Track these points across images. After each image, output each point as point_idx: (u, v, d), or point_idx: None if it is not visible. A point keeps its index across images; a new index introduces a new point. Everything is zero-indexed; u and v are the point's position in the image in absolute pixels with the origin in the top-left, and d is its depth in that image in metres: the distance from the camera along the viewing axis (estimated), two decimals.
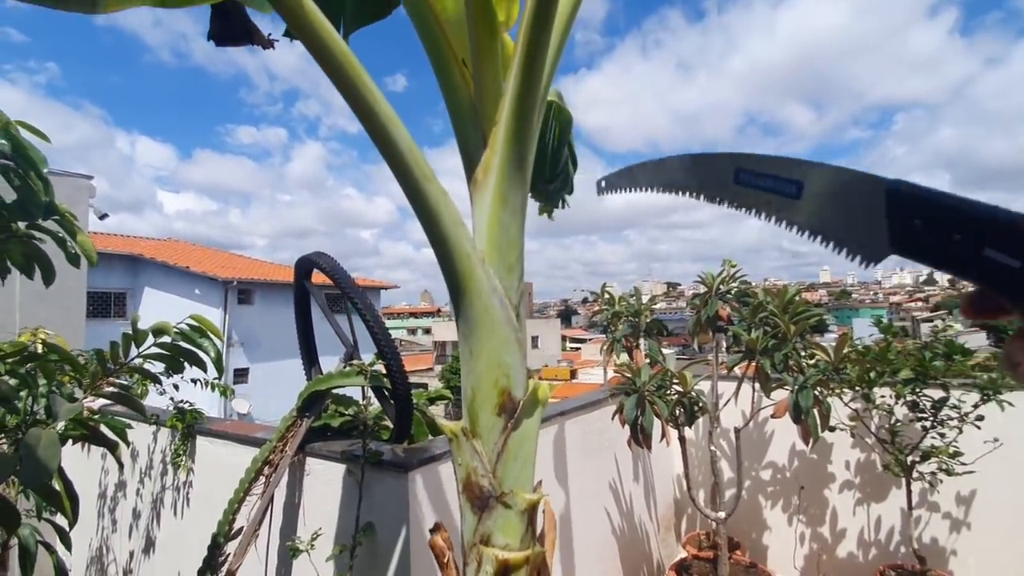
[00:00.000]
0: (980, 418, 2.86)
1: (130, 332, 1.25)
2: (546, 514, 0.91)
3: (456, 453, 0.81)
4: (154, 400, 2.89)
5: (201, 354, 1.30)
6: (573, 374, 36.04)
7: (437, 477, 1.80)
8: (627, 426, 2.72)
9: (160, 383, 1.41)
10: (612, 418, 2.82)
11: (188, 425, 2.59)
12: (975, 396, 2.86)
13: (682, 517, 4.12)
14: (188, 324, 1.27)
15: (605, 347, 3.46)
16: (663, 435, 2.76)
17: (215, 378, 2.86)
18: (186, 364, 2.63)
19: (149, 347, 1.26)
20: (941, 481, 3.02)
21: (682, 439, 3.04)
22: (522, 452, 0.78)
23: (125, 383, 1.41)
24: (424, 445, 1.96)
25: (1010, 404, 2.77)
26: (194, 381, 2.79)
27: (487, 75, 0.80)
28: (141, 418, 2.83)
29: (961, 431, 2.91)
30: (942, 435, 2.96)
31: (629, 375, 2.81)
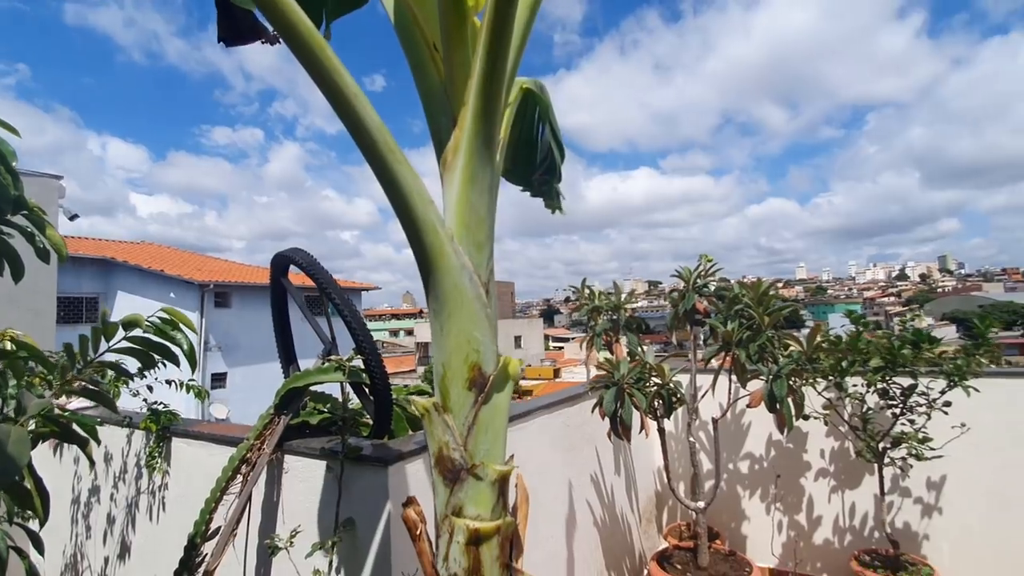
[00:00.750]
0: (947, 404, 2.95)
1: (100, 327, 1.22)
2: (519, 488, 0.93)
3: (428, 428, 0.82)
4: (128, 404, 2.83)
5: (173, 348, 1.28)
6: (556, 373, 36.19)
7: (418, 470, 1.80)
8: (607, 419, 2.75)
9: (131, 378, 1.38)
10: (592, 411, 2.84)
11: (163, 427, 2.54)
12: (942, 383, 2.95)
13: (663, 509, 4.17)
14: (159, 317, 1.25)
15: (585, 342, 3.48)
16: (642, 427, 2.79)
17: (190, 379, 2.82)
18: (161, 363, 2.59)
19: (120, 341, 1.24)
20: (911, 466, 3.11)
21: (661, 431, 3.08)
22: (493, 425, 0.80)
23: (97, 380, 1.38)
24: (404, 439, 1.95)
25: (975, 390, 2.86)
26: (169, 383, 2.74)
27: (457, 59, 0.80)
28: (114, 419, 2.78)
29: (930, 417, 3.00)
30: (912, 421, 3.05)
31: (609, 369, 2.84)
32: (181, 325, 1.27)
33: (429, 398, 0.82)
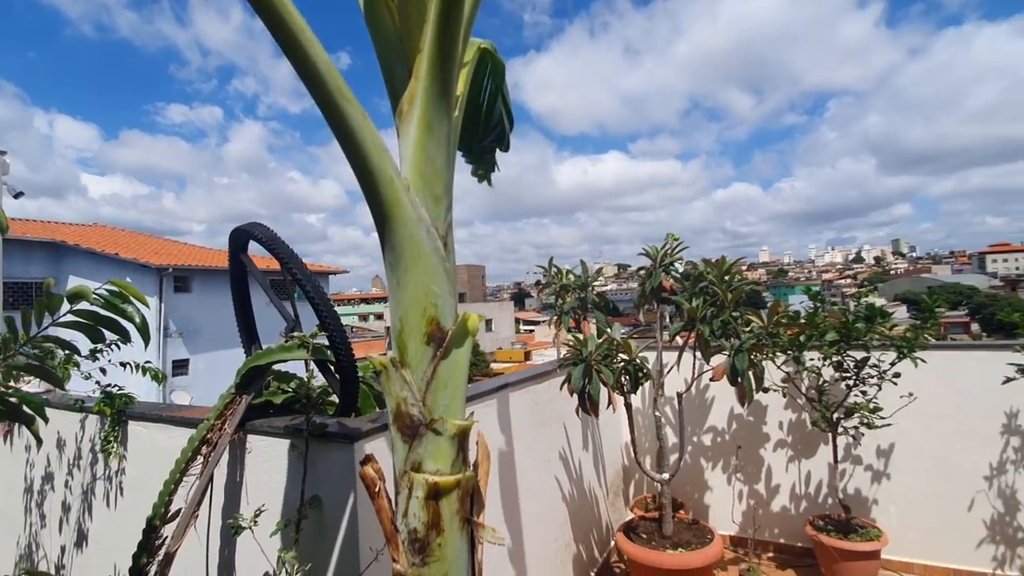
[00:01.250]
0: (897, 375, 3.10)
1: (44, 299, 1.16)
2: (480, 445, 0.93)
3: (385, 385, 0.80)
4: (81, 387, 2.71)
5: (124, 322, 1.23)
6: (527, 356, 36.49)
7: (383, 448, 1.79)
8: (576, 395, 2.78)
9: (78, 354, 1.32)
10: (561, 388, 2.87)
11: (118, 410, 2.45)
12: (893, 355, 3.10)
13: (630, 482, 4.28)
14: (108, 290, 1.19)
15: (553, 320, 3.51)
16: (610, 402, 2.83)
17: (147, 362, 2.72)
18: (116, 345, 2.48)
19: (65, 315, 1.17)
20: (863, 435, 3.27)
21: (628, 406, 3.14)
22: (452, 380, 0.79)
23: (41, 356, 1.32)
24: (371, 416, 1.93)
25: (923, 360, 3.01)
26: (123, 365, 2.64)
27: (411, 7, 0.77)
28: (65, 403, 2.67)
29: (880, 388, 3.16)
30: (864, 392, 3.20)
31: (577, 346, 2.86)
32: (132, 298, 1.22)
33: (386, 356, 0.80)
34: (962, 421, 3.33)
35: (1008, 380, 2.48)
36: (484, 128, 1.25)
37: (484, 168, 1.44)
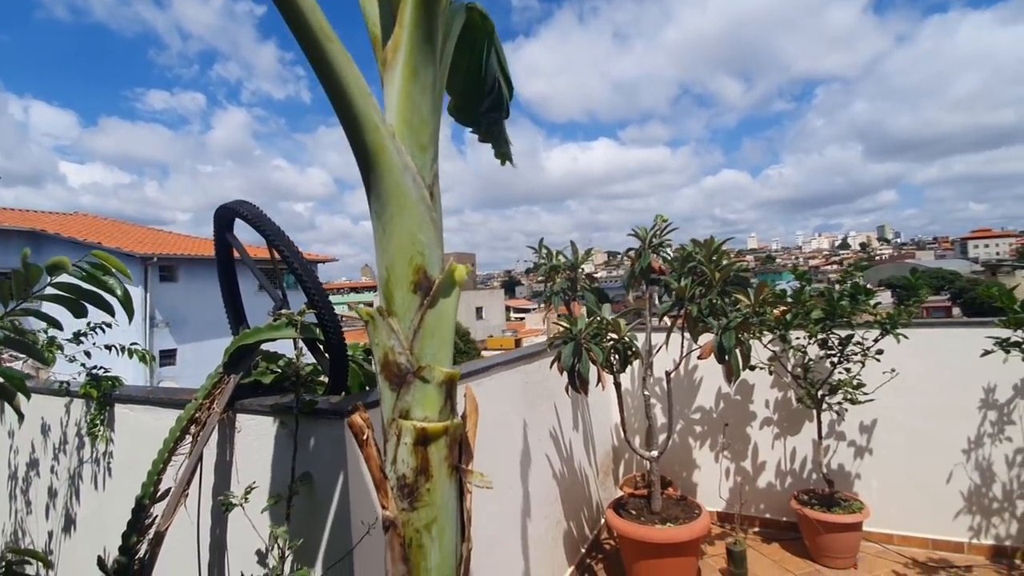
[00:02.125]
0: (880, 352, 3.16)
1: (21, 271, 1.14)
2: (467, 397, 0.94)
3: (372, 335, 0.81)
4: (66, 370, 2.68)
5: (106, 296, 1.21)
6: (518, 343, 36.64)
7: (375, 423, 1.79)
8: (565, 374, 2.80)
9: (60, 328, 1.30)
10: (551, 367, 2.89)
11: (104, 393, 2.42)
12: (876, 333, 3.15)
13: (620, 461, 4.33)
14: (89, 262, 1.17)
15: (543, 302, 3.51)
16: (599, 380, 2.86)
17: (133, 343, 2.69)
18: (100, 329, 2.44)
19: (44, 287, 1.15)
20: (846, 411, 3.33)
21: (617, 385, 3.17)
22: (439, 329, 0.79)
23: (21, 330, 1.29)
24: (361, 394, 1.93)
25: (905, 337, 3.07)
26: (108, 348, 2.61)
27: None
28: (50, 388, 2.63)
29: (864, 365, 3.21)
30: (848, 370, 3.26)
31: (567, 325, 2.88)
32: (114, 270, 1.20)
33: (373, 307, 0.80)
34: (942, 396, 3.41)
35: (986, 353, 2.53)
36: (480, 91, 1.24)
37: (501, 147, 1.43)
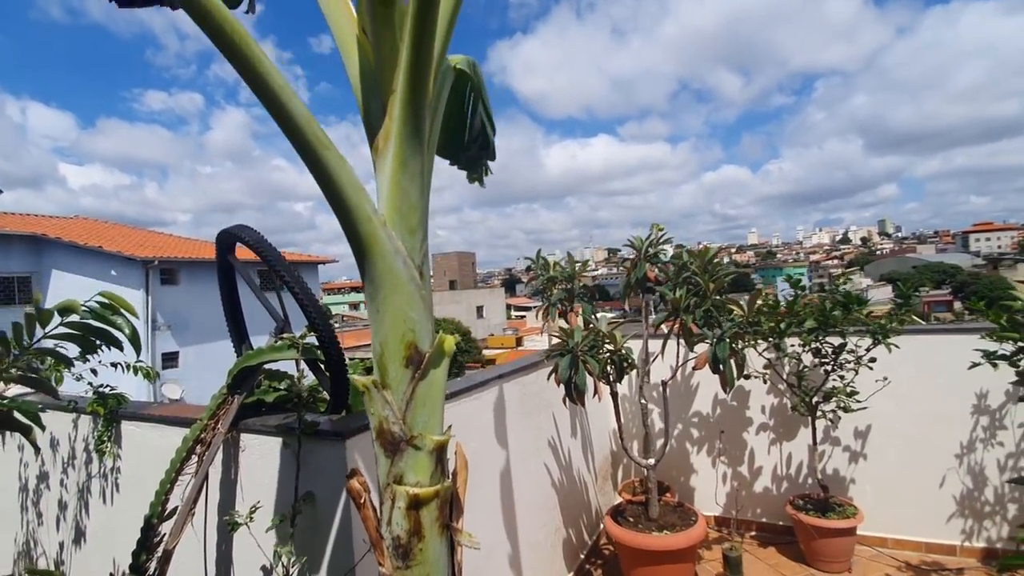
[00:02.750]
0: (873, 360, 3.20)
1: (34, 313, 1.19)
2: (458, 455, 0.99)
3: (368, 404, 0.86)
4: (72, 388, 2.73)
5: (115, 332, 1.26)
6: (519, 342, 36.66)
7: (369, 453, 1.84)
8: (563, 385, 2.85)
9: (72, 365, 1.35)
10: (548, 378, 2.94)
11: (111, 410, 2.48)
12: (869, 340, 3.20)
13: (618, 467, 4.39)
14: (97, 301, 1.23)
15: (541, 312, 3.57)
16: (596, 391, 2.91)
17: (137, 360, 2.74)
18: (102, 346, 2.51)
19: (56, 327, 1.20)
20: (840, 418, 3.38)
21: (614, 395, 3.22)
22: (430, 399, 0.85)
23: (35, 367, 1.35)
24: (361, 414, 1.98)
25: (896, 346, 3.12)
26: (114, 365, 2.66)
27: (385, 44, 0.81)
28: (58, 405, 2.69)
29: (857, 372, 3.26)
30: (841, 377, 3.30)
31: (564, 337, 2.93)
32: (122, 310, 1.25)
33: (368, 376, 0.86)
34: (935, 402, 3.46)
35: (974, 365, 2.58)
36: (463, 136, 1.29)
37: (476, 174, 1.49)
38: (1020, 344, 2.29)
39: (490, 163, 1.59)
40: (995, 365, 2.46)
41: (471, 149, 1.31)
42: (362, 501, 0.94)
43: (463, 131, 1.27)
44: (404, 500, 0.83)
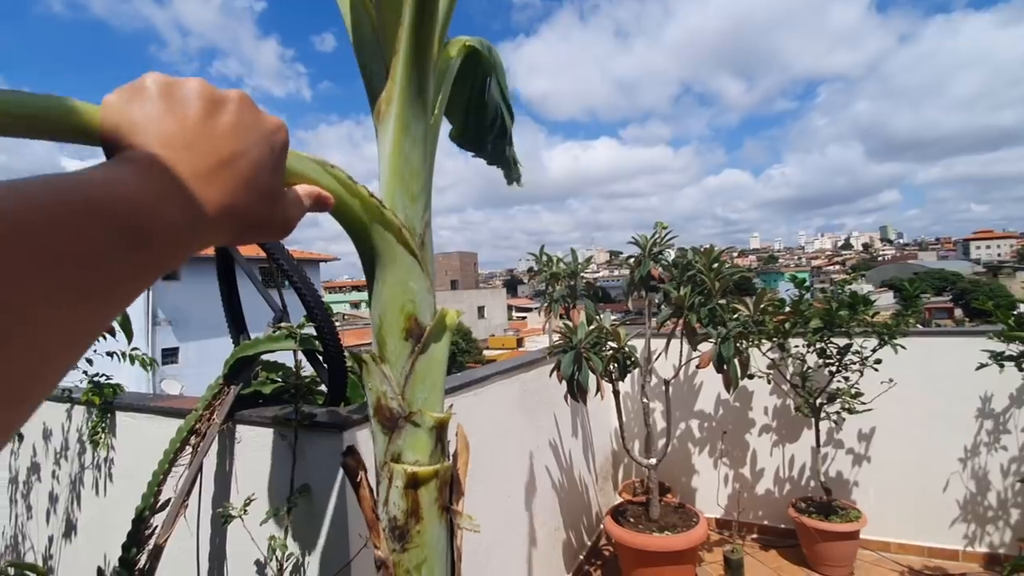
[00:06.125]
0: (878, 361, 3.16)
1: None
2: (459, 437, 0.96)
3: (366, 379, 0.83)
4: (67, 378, 2.69)
5: None
6: (520, 342, 36.60)
7: (369, 437, 1.80)
8: (565, 382, 2.81)
9: None
10: (550, 376, 2.90)
11: (106, 400, 2.44)
12: (874, 342, 3.16)
13: (619, 467, 4.34)
14: None
15: (543, 308, 3.53)
16: (598, 389, 2.87)
17: (134, 348, 2.71)
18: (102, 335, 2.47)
19: None
20: (844, 419, 3.34)
21: (616, 393, 3.18)
22: (430, 375, 0.82)
23: None
24: (359, 405, 1.95)
25: (903, 347, 3.07)
26: (110, 354, 2.62)
27: (387, 9, 0.78)
28: (50, 394, 2.65)
29: (862, 374, 3.22)
30: (846, 378, 3.26)
31: (567, 334, 2.89)
32: None
33: (367, 351, 0.82)
34: (939, 405, 3.42)
35: (981, 366, 2.54)
36: (483, 122, 1.25)
37: (511, 171, 1.43)
38: None
39: (516, 156, 1.51)
40: (1002, 366, 2.42)
41: (489, 135, 1.27)
42: (358, 480, 0.91)
43: (483, 117, 1.24)
44: (402, 479, 0.80)
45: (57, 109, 0.32)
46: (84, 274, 0.25)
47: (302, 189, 0.47)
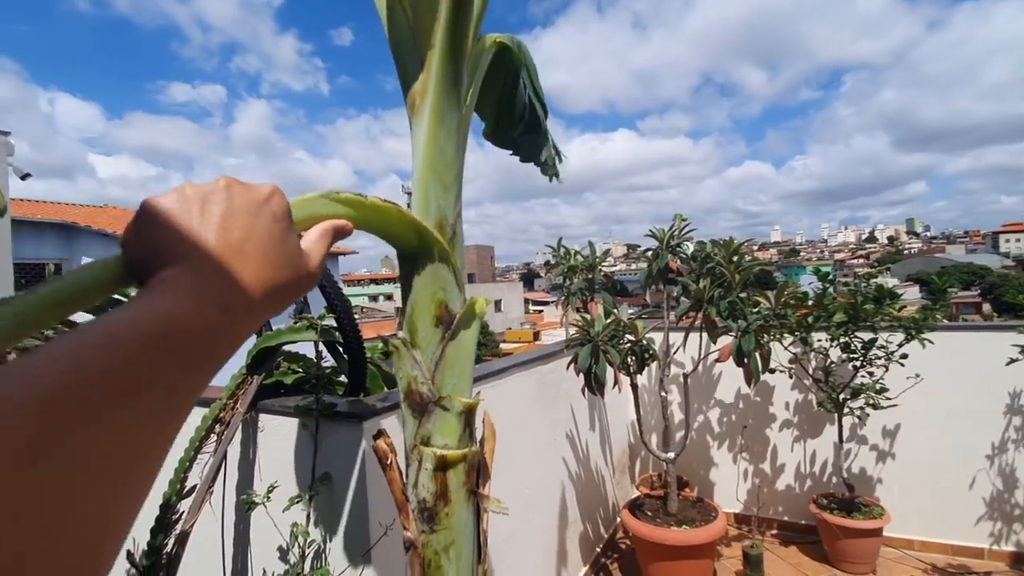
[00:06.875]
0: (904, 356, 3.09)
1: None
2: (486, 423, 0.99)
3: (397, 364, 0.86)
4: None
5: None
6: (536, 336, 36.61)
7: (393, 425, 1.83)
8: (582, 375, 2.81)
9: None
10: (567, 368, 2.90)
11: None
12: (900, 336, 3.08)
13: (636, 460, 4.33)
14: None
15: (561, 301, 3.52)
16: (616, 382, 2.86)
17: None
18: None
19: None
20: (868, 415, 3.27)
21: (634, 386, 3.16)
22: (460, 361, 0.85)
23: None
24: (379, 396, 1.97)
25: (930, 342, 3.00)
26: None
27: (424, 8, 0.80)
28: None
29: (887, 369, 3.15)
30: (871, 373, 3.20)
31: (584, 327, 2.88)
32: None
33: (399, 337, 0.86)
34: (967, 402, 3.33)
35: (1011, 361, 2.46)
36: (512, 118, 1.26)
37: (548, 167, 1.42)
38: None
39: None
40: None
41: (518, 128, 1.28)
42: (388, 462, 0.94)
43: (510, 112, 1.24)
44: (431, 462, 0.83)
45: (87, 282, 0.33)
46: (163, 399, 0.29)
47: (316, 230, 0.48)
